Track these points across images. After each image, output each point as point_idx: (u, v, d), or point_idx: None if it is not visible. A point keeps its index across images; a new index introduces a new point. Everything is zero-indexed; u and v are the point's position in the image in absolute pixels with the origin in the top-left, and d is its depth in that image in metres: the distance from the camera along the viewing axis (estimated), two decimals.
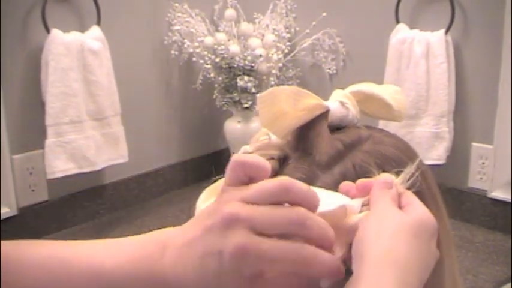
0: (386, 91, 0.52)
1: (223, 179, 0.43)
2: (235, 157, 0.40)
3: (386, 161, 0.47)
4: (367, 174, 0.45)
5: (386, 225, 0.39)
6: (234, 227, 0.38)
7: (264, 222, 0.38)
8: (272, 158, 0.48)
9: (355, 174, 0.46)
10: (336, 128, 0.50)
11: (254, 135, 0.51)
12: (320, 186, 0.44)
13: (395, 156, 0.48)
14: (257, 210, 0.38)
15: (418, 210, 0.41)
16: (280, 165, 0.48)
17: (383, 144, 0.49)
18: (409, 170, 0.44)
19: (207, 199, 0.45)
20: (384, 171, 0.45)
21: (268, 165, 0.41)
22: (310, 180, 0.45)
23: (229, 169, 0.41)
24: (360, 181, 0.44)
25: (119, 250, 0.43)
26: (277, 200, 0.39)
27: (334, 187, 0.44)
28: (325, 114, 0.49)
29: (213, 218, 0.39)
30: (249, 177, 0.40)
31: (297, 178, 0.40)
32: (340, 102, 0.50)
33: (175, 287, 0.40)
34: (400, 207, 0.42)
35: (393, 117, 0.53)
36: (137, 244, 0.43)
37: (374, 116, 0.54)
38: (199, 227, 0.40)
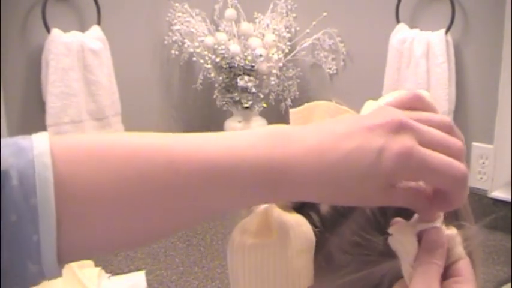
0: None
1: (251, 217, 0.42)
2: (417, 92, 0.42)
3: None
4: None
5: None
6: (403, 132, 0.37)
7: (430, 136, 0.38)
8: None
9: None
10: None
11: None
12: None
13: None
14: (424, 126, 0.39)
15: None
16: None
17: None
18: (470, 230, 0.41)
19: (243, 231, 0.43)
20: None
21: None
22: None
23: (407, 96, 0.41)
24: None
25: (216, 138, 0.38)
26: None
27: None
28: None
29: (376, 120, 0.38)
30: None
31: None
32: None
33: (292, 179, 0.37)
34: (446, 276, 0.38)
35: None
36: (243, 134, 0.38)
37: None
38: (348, 125, 0.38)
